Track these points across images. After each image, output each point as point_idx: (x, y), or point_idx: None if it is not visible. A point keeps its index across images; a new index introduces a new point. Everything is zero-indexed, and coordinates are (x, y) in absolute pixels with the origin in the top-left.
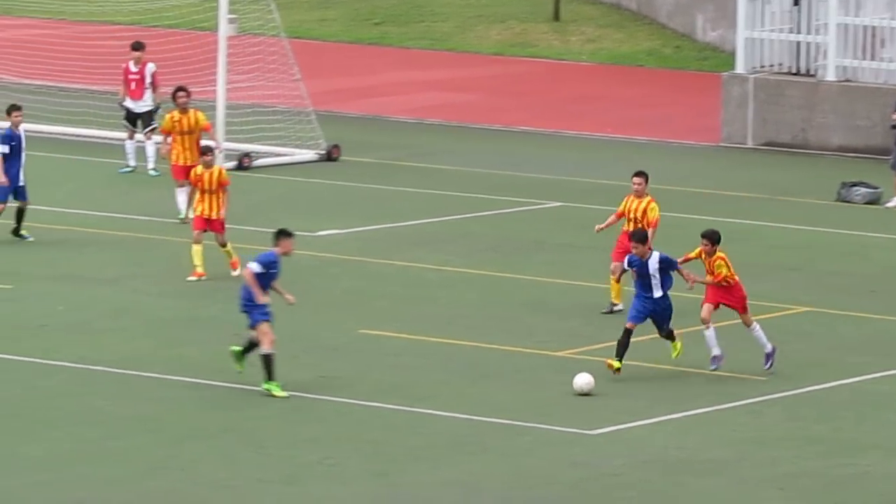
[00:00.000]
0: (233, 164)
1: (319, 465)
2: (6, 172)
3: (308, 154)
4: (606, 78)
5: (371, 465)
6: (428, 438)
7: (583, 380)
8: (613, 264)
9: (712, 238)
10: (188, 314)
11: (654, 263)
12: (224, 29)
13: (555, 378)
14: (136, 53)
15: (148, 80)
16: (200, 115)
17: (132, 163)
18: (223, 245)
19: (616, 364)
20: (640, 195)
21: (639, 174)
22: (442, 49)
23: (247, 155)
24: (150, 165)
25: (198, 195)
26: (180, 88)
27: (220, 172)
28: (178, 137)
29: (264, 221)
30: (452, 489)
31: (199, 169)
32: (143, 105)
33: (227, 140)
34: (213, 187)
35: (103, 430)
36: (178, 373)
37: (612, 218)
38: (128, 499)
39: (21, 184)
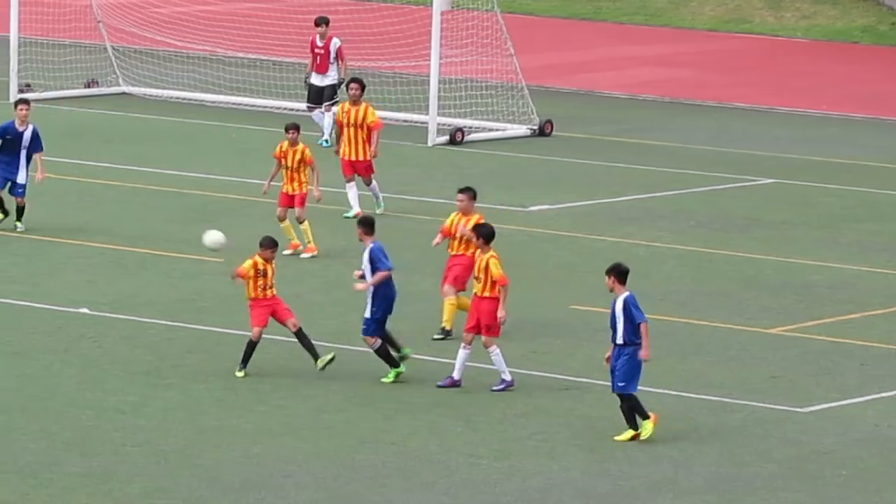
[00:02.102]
0: (445, 138)
1: (529, 441)
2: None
3: (521, 129)
4: (821, 54)
5: (581, 440)
6: None
7: (213, 238)
8: (444, 287)
9: (483, 233)
10: (399, 289)
11: (619, 303)
12: (438, 3)
13: (767, 355)
14: (320, 28)
15: (332, 55)
16: (370, 112)
17: (326, 135)
18: (300, 221)
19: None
20: (466, 213)
21: (463, 191)
22: (656, 24)
23: (459, 130)
24: (325, 136)
25: (282, 172)
26: (353, 80)
27: (303, 151)
28: (347, 130)
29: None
30: (663, 465)
31: (285, 145)
32: (326, 79)
33: (441, 115)
34: (295, 165)
35: (314, 404)
36: None
37: (438, 237)
38: (338, 472)
39: (19, 181)
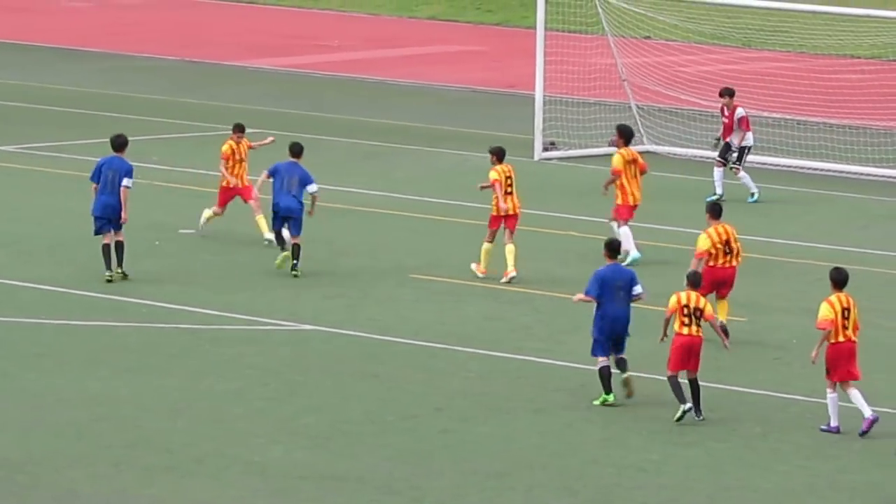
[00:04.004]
0: None
1: None
2: None
3: None
4: None
5: None
6: None
7: None
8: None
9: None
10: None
11: None
12: None
13: None
14: (724, 100)
15: (735, 123)
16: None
17: (718, 190)
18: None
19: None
20: None
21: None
22: None
23: None
24: (752, 190)
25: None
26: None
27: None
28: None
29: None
30: None
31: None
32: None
33: None
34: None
35: (837, 464)
36: None
37: None
38: None
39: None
